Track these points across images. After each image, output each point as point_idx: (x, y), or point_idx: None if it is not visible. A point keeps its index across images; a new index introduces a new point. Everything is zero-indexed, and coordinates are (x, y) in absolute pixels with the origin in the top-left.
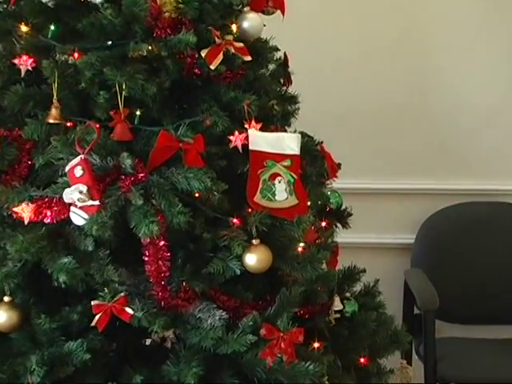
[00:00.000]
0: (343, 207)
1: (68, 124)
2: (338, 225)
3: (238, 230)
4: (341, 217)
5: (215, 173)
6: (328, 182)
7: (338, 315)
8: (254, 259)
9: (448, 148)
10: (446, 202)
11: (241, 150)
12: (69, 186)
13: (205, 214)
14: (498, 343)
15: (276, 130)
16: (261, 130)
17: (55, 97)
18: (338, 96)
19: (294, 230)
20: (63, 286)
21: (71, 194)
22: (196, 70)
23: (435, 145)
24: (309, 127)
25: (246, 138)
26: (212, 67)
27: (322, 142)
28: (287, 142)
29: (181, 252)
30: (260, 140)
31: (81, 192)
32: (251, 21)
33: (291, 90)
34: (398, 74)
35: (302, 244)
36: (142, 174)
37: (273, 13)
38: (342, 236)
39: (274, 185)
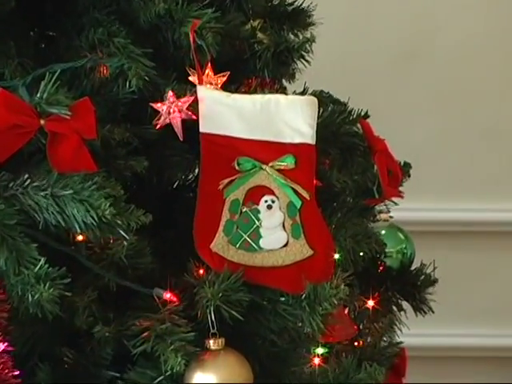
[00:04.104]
0: (416, 265)
1: None
2: (405, 305)
3: (174, 318)
4: (410, 287)
5: (123, 187)
6: (381, 206)
7: None
8: (210, 382)
9: None
10: None
11: (181, 136)
12: None
13: (98, 283)
14: None
15: (261, 88)
16: (225, 87)
17: None
18: (406, 11)
19: (303, 316)
20: None
21: None
22: None
23: None
24: (337, 82)
25: (193, 105)
26: None
27: (367, 116)
28: (287, 116)
29: (45, 367)
30: (224, 111)
31: None
32: None
33: None
34: None
35: (320, 349)
36: None
37: None
38: (413, 332)
39: (256, 213)
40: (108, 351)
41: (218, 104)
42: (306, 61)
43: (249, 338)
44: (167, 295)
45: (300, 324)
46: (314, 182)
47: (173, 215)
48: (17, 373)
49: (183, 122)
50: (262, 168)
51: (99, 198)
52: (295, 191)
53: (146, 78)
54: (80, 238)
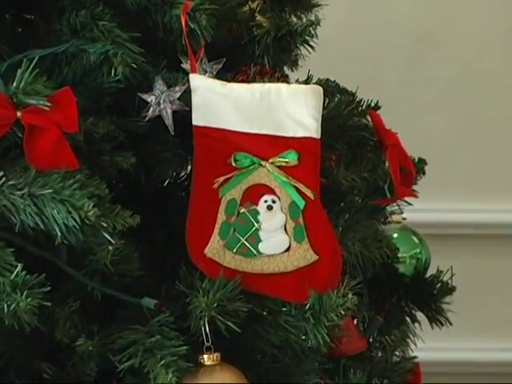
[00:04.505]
0: (432, 272)
1: None
2: (420, 316)
3: (164, 330)
4: (425, 296)
5: (108, 186)
6: (393, 207)
7: None
8: None
9: None
10: None
11: (172, 129)
12: None
13: (81, 292)
14: None
15: (261, 76)
16: (221, 75)
17: None
18: None
19: (307, 328)
20: None
21: None
22: None
23: None
24: (345, 70)
25: (185, 96)
26: None
27: (377, 107)
28: (289, 107)
29: None
30: (219, 102)
31: None
32: None
33: None
34: None
35: (326, 365)
36: None
37: None
38: (428, 346)
39: (255, 215)
40: (92, 367)
41: (212, 94)
42: (310, 46)
43: (247, 353)
44: (157, 305)
45: (304, 337)
46: (319, 180)
47: (163, 217)
48: None
49: (174, 113)
50: (261, 165)
51: (82, 197)
52: (298, 190)
53: (134, 65)
54: (61, 241)
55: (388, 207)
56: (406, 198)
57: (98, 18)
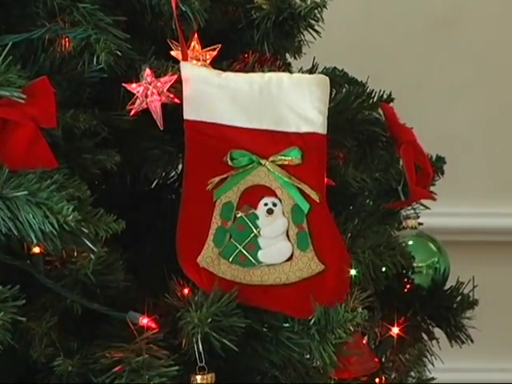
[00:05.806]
0: (451, 283)
1: None
2: (438, 332)
3: (152, 349)
4: (444, 310)
5: (90, 187)
6: (408, 211)
7: None
8: None
9: None
10: None
11: (161, 124)
12: None
13: (59, 305)
14: None
15: (260, 65)
16: (215, 63)
17: None
18: None
19: (312, 346)
20: None
21: None
22: None
23: None
24: (354, 58)
25: (175, 86)
26: None
27: (390, 99)
28: (292, 100)
29: None
30: (214, 93)
31: None
32: None
33: None
34: None
35: None
36: None
37: None
38: (448, 366)
39: (253, 219)
40: None
41: (206, 85)
42: (316, 31)
43: (245, 373)
44: (144, 320)
45: (308, 356)
46: (325, 180)
47: (151, 222)
48: None
49: (163, 106)
50: (260, 163)
51: (60, 200)
52: (302, 192)
53: (118, 52)
54: (37, 249)
55: (402, 211)
56: (423, 201)
57: (79, 0)
